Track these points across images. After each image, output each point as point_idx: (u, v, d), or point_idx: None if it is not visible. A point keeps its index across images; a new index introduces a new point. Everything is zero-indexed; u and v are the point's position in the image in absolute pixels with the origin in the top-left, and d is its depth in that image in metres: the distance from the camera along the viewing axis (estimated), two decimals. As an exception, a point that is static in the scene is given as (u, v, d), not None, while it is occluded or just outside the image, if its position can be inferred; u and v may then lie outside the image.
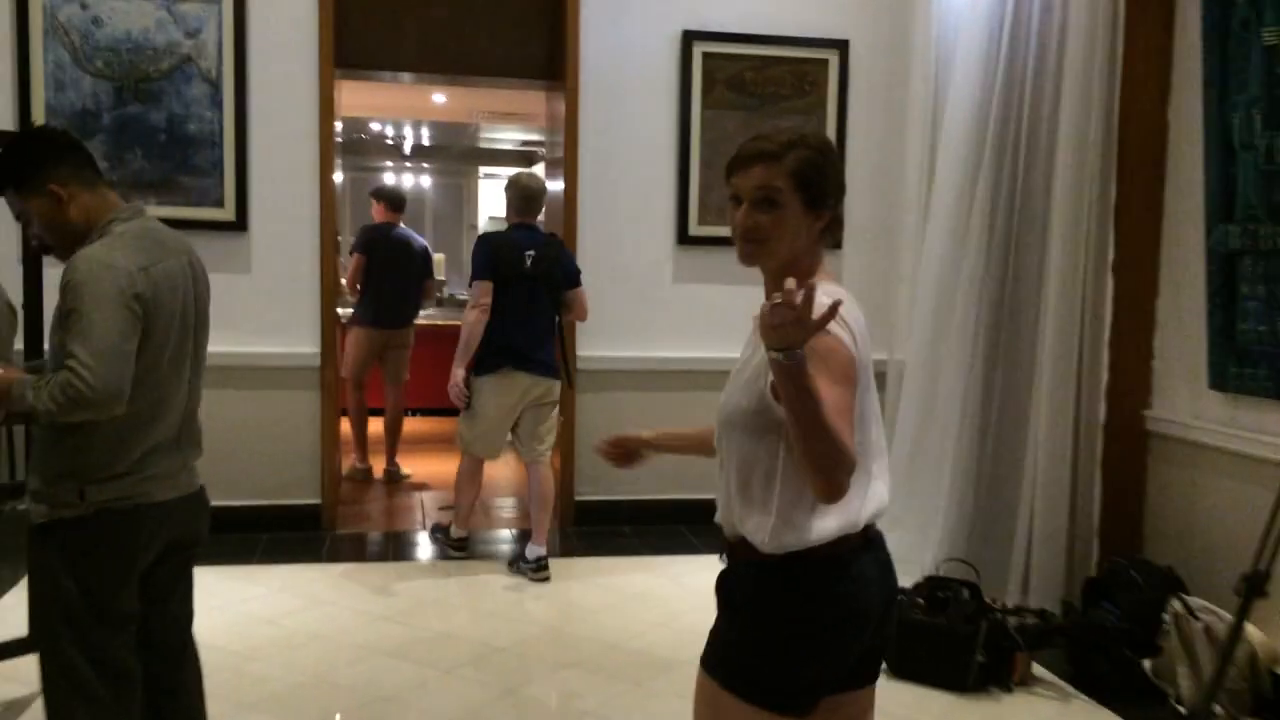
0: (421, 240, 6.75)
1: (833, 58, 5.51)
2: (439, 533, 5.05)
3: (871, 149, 5.57)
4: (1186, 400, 3.97)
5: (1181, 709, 3.44)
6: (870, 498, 1.77)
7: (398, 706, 3.39)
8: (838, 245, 1.89)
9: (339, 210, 6.26)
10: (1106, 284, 4.03)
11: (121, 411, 2.12)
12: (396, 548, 5.19)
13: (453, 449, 4.99)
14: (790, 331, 1.44)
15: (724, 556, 1.85)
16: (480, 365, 4.63)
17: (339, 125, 5.82)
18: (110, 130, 4.88)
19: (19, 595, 3.18)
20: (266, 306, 5.11)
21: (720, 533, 1.87)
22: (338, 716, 3.35)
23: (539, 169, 12.42)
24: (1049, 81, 4.02)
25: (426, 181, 14.41)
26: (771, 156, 1.77)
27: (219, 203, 5.00)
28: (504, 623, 4.13)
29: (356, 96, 7.18)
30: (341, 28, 5.21)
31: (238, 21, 4.95)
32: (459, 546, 4.96)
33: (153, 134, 4.92)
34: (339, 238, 10.61)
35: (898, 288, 5.19)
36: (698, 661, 1.82)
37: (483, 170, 13.22)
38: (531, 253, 4.64)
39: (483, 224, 12.19)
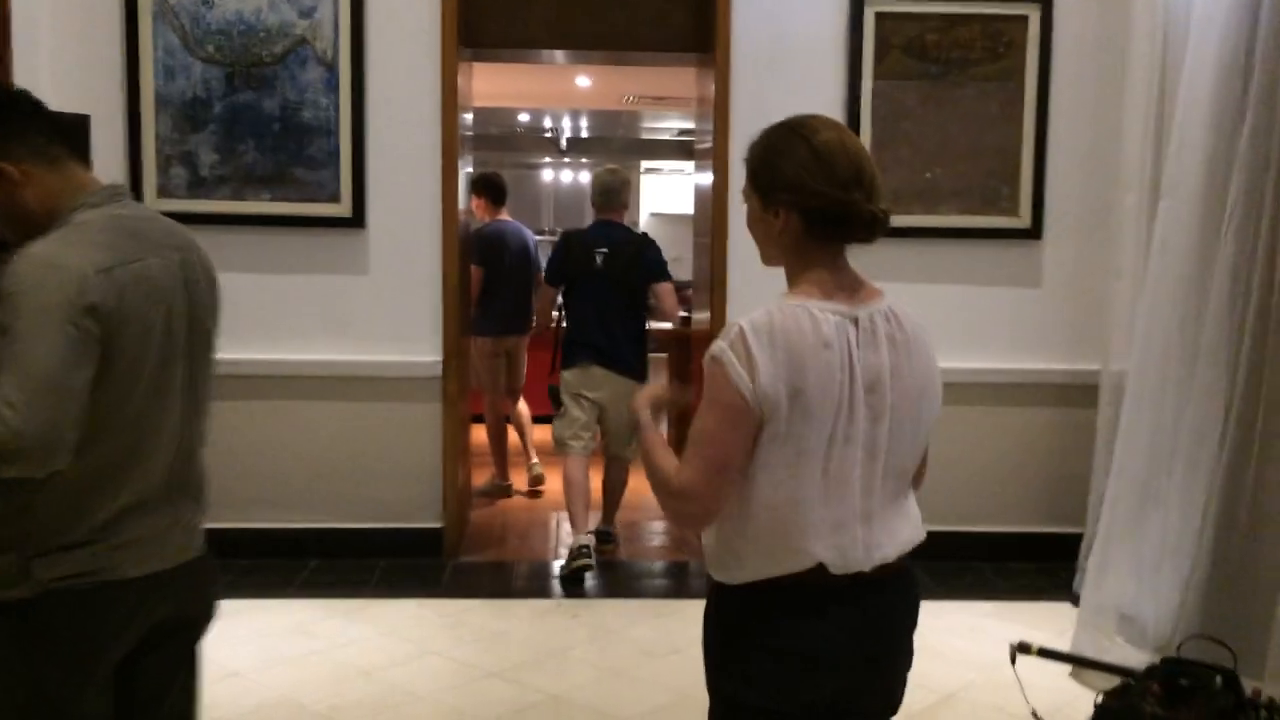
0: (529, 235, 6.13)
1: (1033, 13, 4.64)
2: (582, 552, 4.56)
3: (1080, 120, 4.67)
4: None
5: None
6: (803, 550, 1.63)
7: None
8: (861, 240, 1.71)
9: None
10: None
11: (63, 465, 1.58)
12: (524, 579, 4.64)
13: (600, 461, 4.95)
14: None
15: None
16: (563, 361, 4.86)
17: (471, 115, 5.32)
18: (222, 120, 4.51)
19: None
20: (384, 310, 4.65)
21: None
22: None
23: (688, 163, 11.88)
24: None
25: (586, 177, 14.00)
26: (748, 150, 1.80)
27: (334, 197, 4.57)
28: (629, 686, 3.50)
29: (495, 83, 6.70)
30: (467, 4, 4.70)
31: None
32: (579, 555, 4.49)
33: (266, 123, 4.52)
34: (552, 234, 10.20)
35: (1114, 283, 4.29)
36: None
37: (644, 164, 12.67)
38: (604, 250, 4.78)
39: (644, 222, 11.64)
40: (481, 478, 5.96)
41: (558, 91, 7.54)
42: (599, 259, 4.76)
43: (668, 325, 5.75)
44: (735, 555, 1.67)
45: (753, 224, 1.75)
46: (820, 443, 1.61)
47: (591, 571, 4.55)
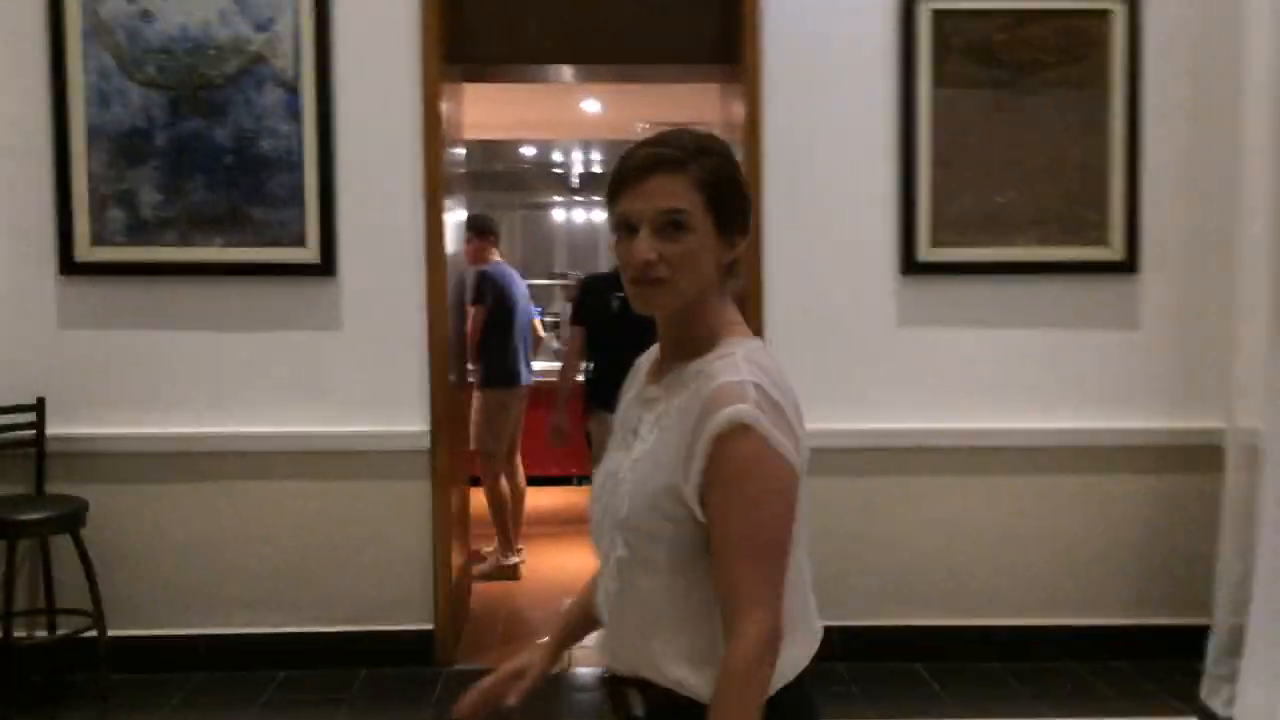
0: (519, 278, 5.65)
1: (1118, 8, 3.94)
2: None
3: (1180, 131, 3.94)
4: None
5: None
6: (817, 628, 1.45)
7: None
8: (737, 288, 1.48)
9: (511, 252, 5.27)
10: None
11: None
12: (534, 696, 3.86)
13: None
14: None
15: (634, 711, 1.44)
16: (585, 407, 4.76)
17: (464, 147, 4.64)
18: (165, 153, 3.83)
19: None
20: (361, 372, 3.93)
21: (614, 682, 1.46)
22: None
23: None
24: None
25: (600, 216, 13.36)
26: (673, 164, 1.37)
27: (299, 240, 3.88)
28: None
29: (493, 112, 6.03)
30: (454, 13, 4.03)
31: (319, 6, 3.83)
32: None
33: (217, 156, 3.84)
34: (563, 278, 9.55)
35: (1237, 325, 3.54)
36: None
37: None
38: (621, 294, 4.21)
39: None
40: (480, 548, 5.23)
41: (565, 120, 6.88)
42: (615, 303, 4.41)
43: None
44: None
45: (691, 251, 1.38)
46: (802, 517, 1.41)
47: None
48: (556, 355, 6.18)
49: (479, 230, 5.37)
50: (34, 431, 3.76)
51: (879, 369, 4.02)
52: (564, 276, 9.58)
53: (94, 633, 3.64)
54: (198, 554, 3.87)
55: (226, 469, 3.88)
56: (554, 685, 3.82)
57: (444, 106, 3.97)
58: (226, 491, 3.89)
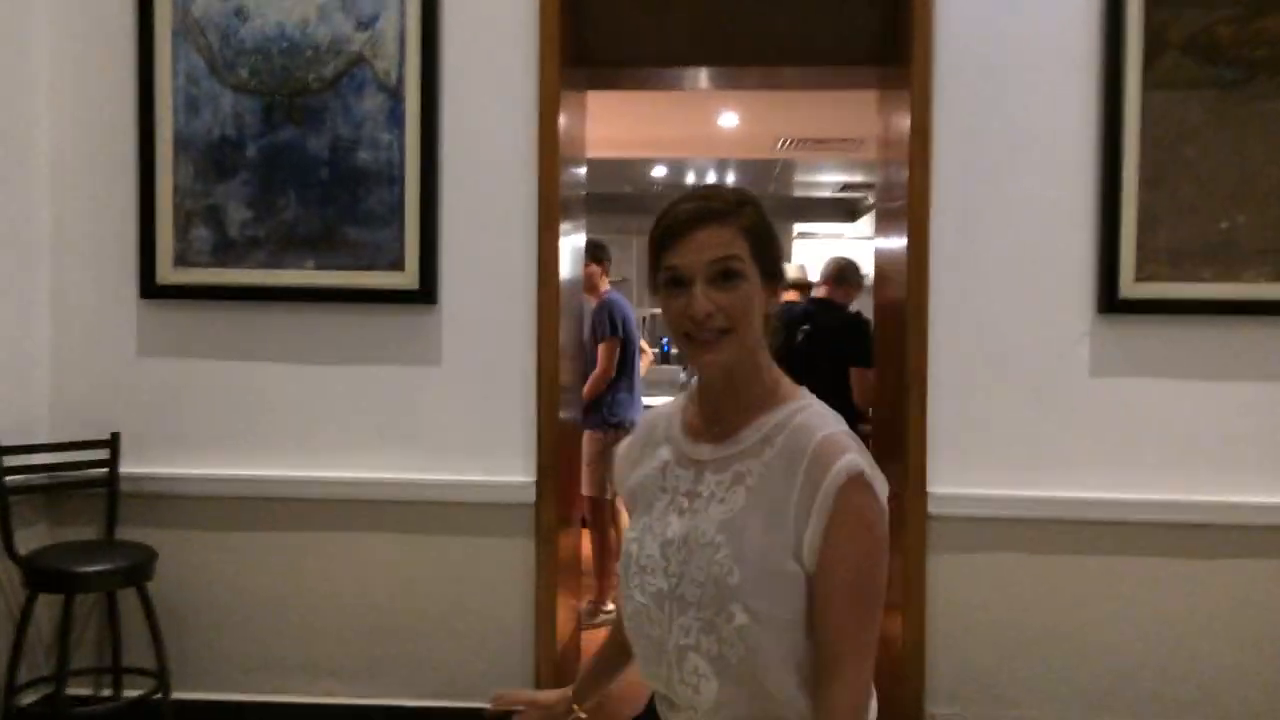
0: None
1: (1382, -9, 3.21)
2: None
3: None
4: None
5: None
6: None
7: None
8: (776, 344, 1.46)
9: (629, 284, 4.85)
10: None
11: None
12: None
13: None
14: None
15: None
16: None
17: (585, 164, 4.16)
18: (256, 166, 3.46)
19: None
20: (460, 412, 3.47)
21: None
22: None
23: (864, 222, 10.47)
24: None
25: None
26: (720, 215, 1.38)
27: (397, 264, 3.45)
28: None
29: (620, 126, 5.55)
30: (576, 12, 3.57)
31: (427, 4, 3.41)
32: None
33: (311, 168, 3.45)
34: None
35: None
36: None
37: (796, 228, 11.40)
38: (807, 328, 4.59)
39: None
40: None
41: (699, 136, 6.35)
42: (800, 336, 4.54)
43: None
44: None
45: (747, 299, 1.37)
46: None
47: None
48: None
49: (597, 255, 4.91)
50: (106, 470, 3.41)
51: (1066, 427, 3.35)
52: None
53: (159, 695, 3.26)
54: (275, 612, 3.47)
55: (306, 518, 3.46)
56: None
57: (563, 115, 3.50)
58: (309, 543, 3.47)
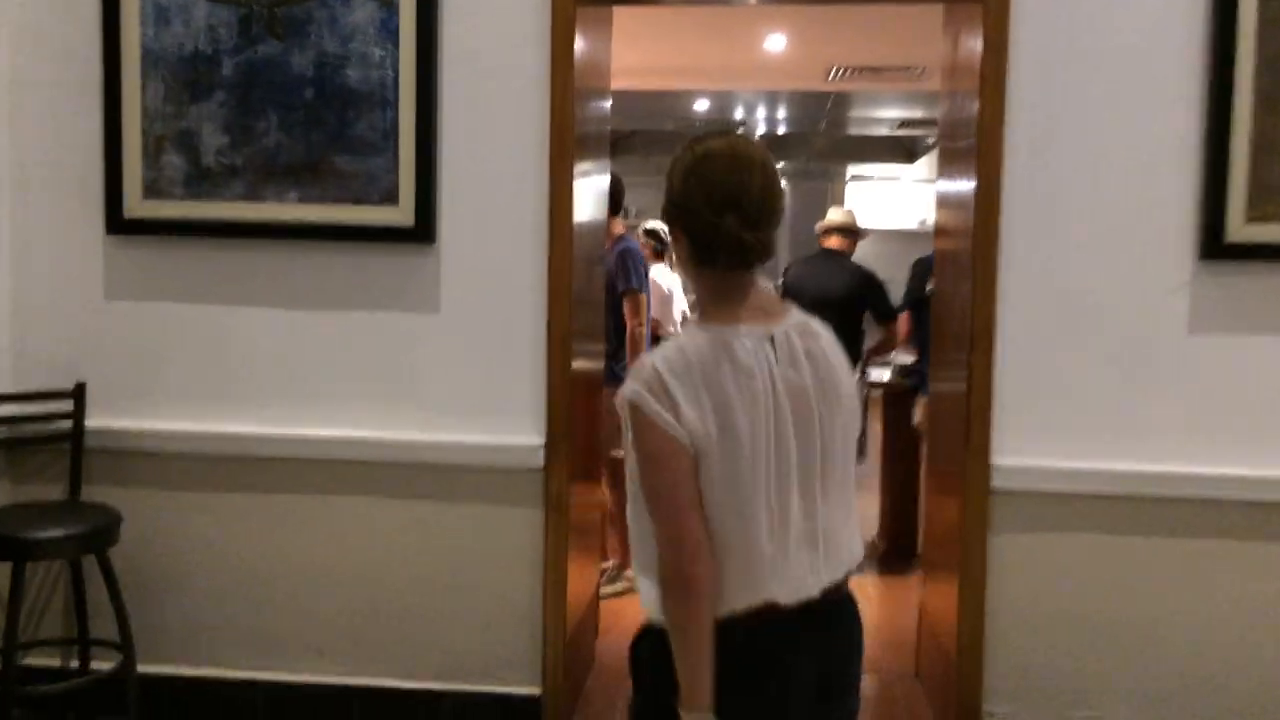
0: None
1: None
2: None
3: None
4: None
5: None
6: (755, 588, 1.61)
7: None
8: (735, 268, 1.63)
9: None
10: None
11: None
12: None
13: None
14: None
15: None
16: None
17: (607, 99, 3.72)
18: (233, 85, 3.07)
19: None
20: (461, 365, 3.10)
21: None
22: None
23: (924, 164, 9.84)
24: None
25: (783, 187, 12.24)
26: None
27: (390, 197, 3.05)
28: None
29: (656, 53, 5.07)
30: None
31: (424, -103, 2.98)
32: None
33: (295, 88, 3.05)
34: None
35: None
36: None
37: (850, 170, 10.84)
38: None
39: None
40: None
41: (742, 61, 5.82)
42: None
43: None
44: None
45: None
46: (758, 475, 1.59)
47: None
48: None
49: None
50: (71, 423, 3.08)
51: (1156, 391, 2.89)
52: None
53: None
54: (255, 582, 3.14)
55: (294, 480, 3.11)
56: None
57: (581, 34, 3.06)
58: (291, 507, 3.13)
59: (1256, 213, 2.79)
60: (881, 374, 5.38)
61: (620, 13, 3.64)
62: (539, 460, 3.06)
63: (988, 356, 2.94)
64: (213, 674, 3.16)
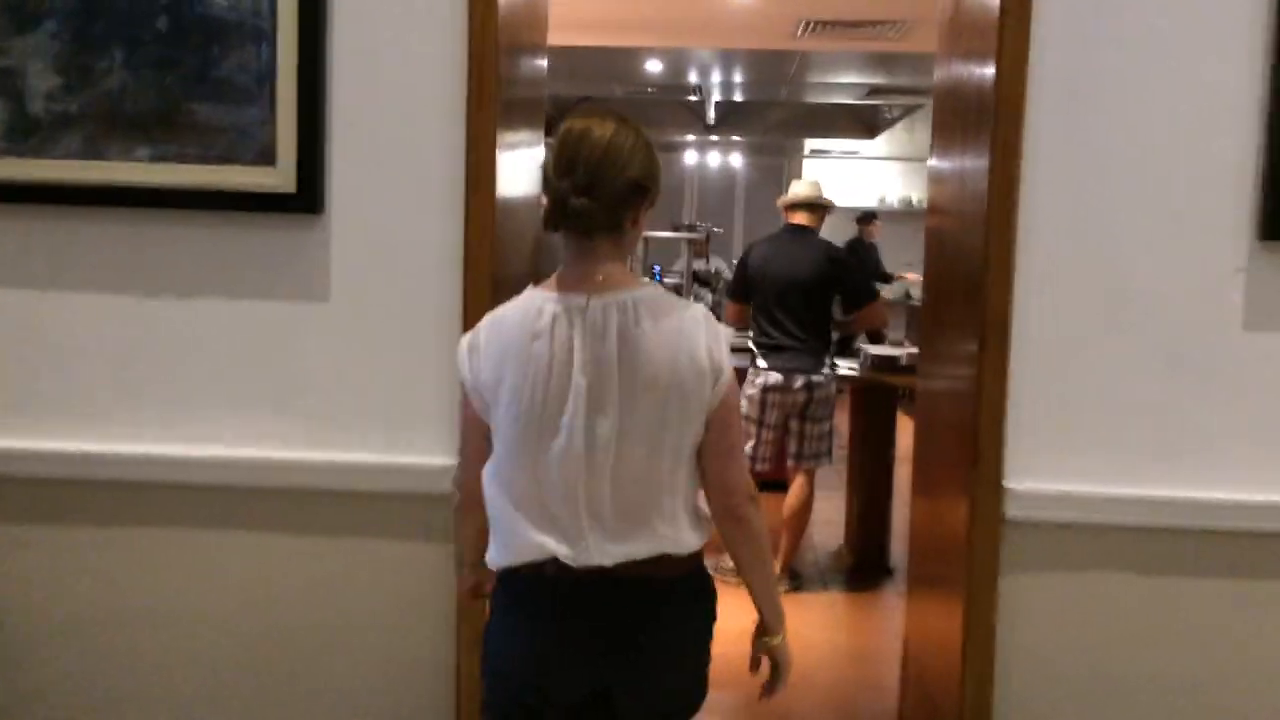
0: None
1: None
2: None
3: None
4: None
5: None
6: (530, 543, 1.76)
7: None
8: (577, 231, 1.74)
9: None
10: None
11: None
12: None
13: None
14: None
15: None
16: None
17: (543, 57, 3.13)
18: (67, 14, 2.44)
19: None
20: (353, 368, 2.51)
21: None
22: None
23: (884, 139, 9.30)
24: None
25: (737, 161, 11.80)
26: None
27: (266, 156, 2.45)
28: None
29: (603, 3, 4.47)
30: None
31: None
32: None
33: (143, 18, 2.44)
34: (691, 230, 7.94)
35: None
36: None
37: (808, 144, 10.37)
38: None
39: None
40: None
41: (702, 19, 5.22)
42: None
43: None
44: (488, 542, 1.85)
45: None
46: (530, 435, 1.72)
47: None
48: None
49: None
50: None
51: (1207, 400, 2.40)
52: (692, 229, 7.96)
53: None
54: (119, 628, 2.53)
55: (140, 508, 2.51)
56: None
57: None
58: (139, 542, 2.52)
59: (1332, 187, 2.28)
60: (851, 365, 4.90)
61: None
62: (449, 484, 2.49)
63: (1002, 355, 2.42)
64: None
